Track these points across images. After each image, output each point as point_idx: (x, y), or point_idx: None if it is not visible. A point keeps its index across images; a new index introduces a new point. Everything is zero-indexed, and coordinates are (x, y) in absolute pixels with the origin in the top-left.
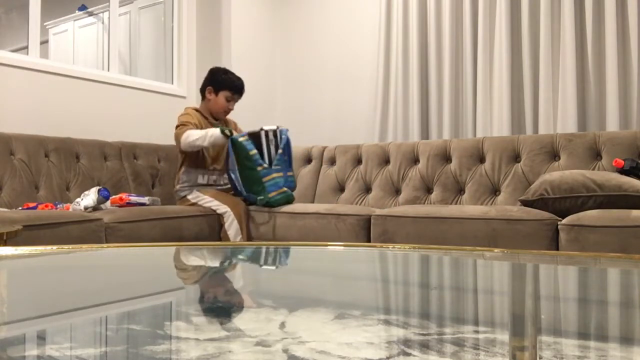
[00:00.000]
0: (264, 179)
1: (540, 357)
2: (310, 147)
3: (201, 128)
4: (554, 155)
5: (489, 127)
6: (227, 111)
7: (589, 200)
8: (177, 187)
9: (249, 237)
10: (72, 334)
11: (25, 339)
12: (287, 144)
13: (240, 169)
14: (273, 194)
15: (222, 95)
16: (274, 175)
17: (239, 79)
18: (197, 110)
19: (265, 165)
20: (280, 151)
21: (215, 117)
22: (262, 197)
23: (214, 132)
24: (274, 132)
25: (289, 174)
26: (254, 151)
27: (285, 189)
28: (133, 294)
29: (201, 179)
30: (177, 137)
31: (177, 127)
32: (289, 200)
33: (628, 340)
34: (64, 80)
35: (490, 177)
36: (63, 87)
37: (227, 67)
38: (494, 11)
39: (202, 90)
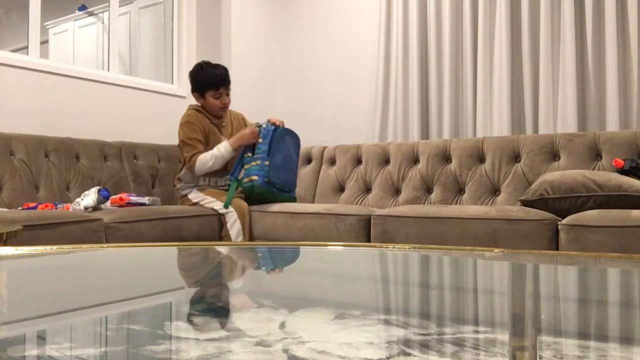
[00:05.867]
0: (245, 166)
1: (540, 357)
2: (310, 147)
3: (204, 132)
4: (554, 155)
5: (489, 127)
6: (223, 106)
7: (589, 200)
8: (178, 186)
9: (250, 237)
10: (72, 334)
11: (25, 339)
12: (267, 134)
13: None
14: (245, 179)
15: (209, 95)
16: (253, 163)
17: (217, 68)
18: (199, 110)
19: (249, 154)
20: (260, 140)
21: (216, 116)
22: (230, 182)
23: (222, 151)
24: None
25: (266, 163)
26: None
27: (255, 177)
28: (133, 294)
29: (202, 181)
30: (187, 161)
31: (182, 141)
32: (254, 189)
33: (628, 340)
34: (64, 80)
35: (490, 177)
36: (63, 87)
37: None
38: (494, 11)
39: (192, 95)
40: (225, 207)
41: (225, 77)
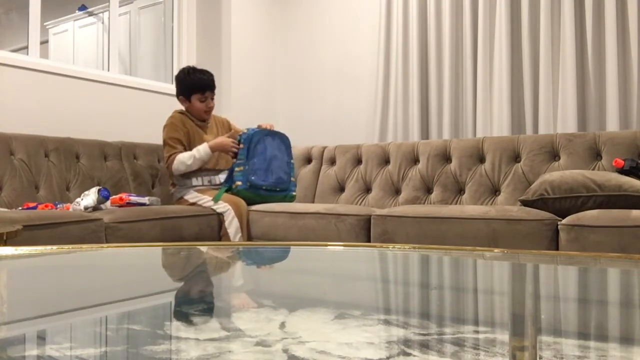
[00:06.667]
0: (234, 173)
1: (540, 357)
2: (310, 147)
3: (187, 134)
4: (554, 155)
5: (489, 127)
6: (208, 110)
7: (589, 200)
8: (172, 190)
9: (249, 237)
10: (72, 334)
11: (25, 339)
12: (247, 139)
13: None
14: (233, 186)
15: (195, 99)
16: (237, 169)
17: (203, 74)
18: (183, 113)
19: (235, 160)
20: (241, 146)
21: (200, 119)
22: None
23: (201, 153)
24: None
25: (246, 167)
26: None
27: (239, 182)
28: (133, 294)
29: (195, 181)
30: (166, 160)
31: (164, 141)
32: (239, 194)
33: (628, 340)
34: (64, 80)
35: (490, 177)
36: (63, 87)
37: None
38: (494, 11)
39: (178, 98)
40: (215, 200)
41: (212, 82)
